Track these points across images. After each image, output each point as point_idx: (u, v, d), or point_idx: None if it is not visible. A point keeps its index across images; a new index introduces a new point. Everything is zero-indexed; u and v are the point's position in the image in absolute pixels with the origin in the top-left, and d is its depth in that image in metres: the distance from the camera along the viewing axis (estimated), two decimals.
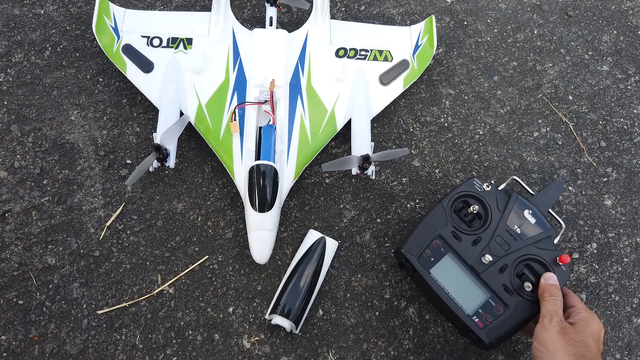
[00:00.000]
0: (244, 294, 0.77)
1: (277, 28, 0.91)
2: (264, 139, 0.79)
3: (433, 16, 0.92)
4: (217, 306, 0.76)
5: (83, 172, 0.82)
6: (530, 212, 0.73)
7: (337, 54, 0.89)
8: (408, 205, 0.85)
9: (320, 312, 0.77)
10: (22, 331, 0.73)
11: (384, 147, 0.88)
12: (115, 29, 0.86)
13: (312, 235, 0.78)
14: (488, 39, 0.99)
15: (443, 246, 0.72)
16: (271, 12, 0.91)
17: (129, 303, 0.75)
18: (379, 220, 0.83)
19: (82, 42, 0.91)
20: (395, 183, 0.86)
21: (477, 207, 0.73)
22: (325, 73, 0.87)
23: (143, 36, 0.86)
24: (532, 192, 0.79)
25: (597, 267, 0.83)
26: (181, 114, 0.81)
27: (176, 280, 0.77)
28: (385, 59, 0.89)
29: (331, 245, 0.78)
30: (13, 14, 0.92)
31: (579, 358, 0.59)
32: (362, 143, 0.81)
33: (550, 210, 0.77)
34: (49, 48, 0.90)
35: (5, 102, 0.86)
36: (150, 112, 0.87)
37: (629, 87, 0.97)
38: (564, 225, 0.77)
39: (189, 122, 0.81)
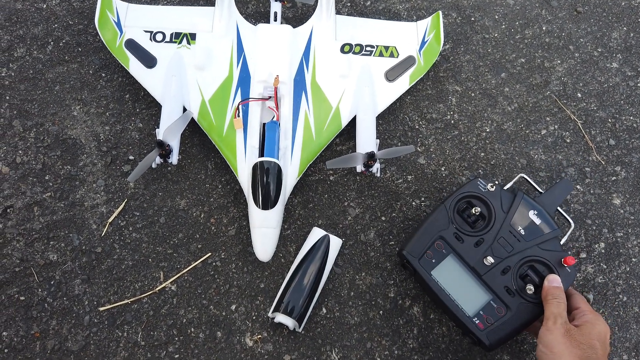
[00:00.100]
0: (246, 292, 0.76)
1: (281, 23, 0.90)
2: (267, 136, 0.78)
3: (440, 12, 0.91)
4: (220, 304, 0.76)
5: (85, 168, 0.82)
6: (536, 212, 0.72)
7: (342, 50, 0.88)
8: (413, 203, 0.84)
9: (324, 310, 0.76)
10: (23, 327, 0.72)
11: (389, 145, 0.87)
12: (118, 24, 0.85)
13: (316, 233, 0.77)
14: (495, 35, 0.97)
15: (445, 248, 0.71)
16: (275, 7, 0.90)
17: (130, 300, 0.75)
18: (383, 218, 0.82)
19: (85, 36, 0.91)
20: (400, 181, 0.85)
21: (479, 208, 0.72)
22: (330, 69, 0.86)
23: (146, 31, 0.85)
24: (540, 190, 0.78)
25: (605, 267, 0.82)
26: (184, 109, 0.81)
27: (178, 277, 0.76)
28: (391, 55, 0.88)
29: (335, 243, 0.77)
30: (15, 8, 0.92)
31: None
32: (367, 140, 0.80)
33: (558, 208, 0.76)
34: (52, 43, 0.90)
35: (8, 97, 0.85)
36: (153, 108, 0.86)
37: (638, 84, 0.95)
38: (572, 224, 0.76)
39: (192, 118, 0.81)
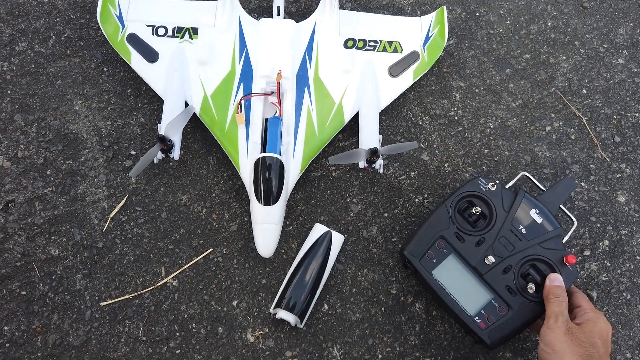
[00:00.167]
0: (248, 288, 0.76)
1: (284, 18, 0.89)
2: (270, 131, 0.78)
3: (444, 7, 0.90)
4: (221, 299, 0.75)
5: (87, 162, 0.81)
6: (538, 211, 0.71)
7: (345, 45, 0.87)
8: (416, 199, 0.83)
9: (326, 306, 0.76)
10: (24, 322, 0.72)
11: (392, 141, 0.86)
12: (120, 18, 0.85)
13: (318, 229, 0.77)
14: (500, 30, 0.97)
15: (446, 247, 0.71)
16: (278, 1, 0.89)
17: (132, 295, 0.75)
18: (386, 214, 0.82)
19: (87, 30, 0.90)
20: (403, 177, 0.84)
21: (480, 208, 0.72)
22: (333, 64, 0.85)
23: (148, 25, 0.85)
24: (543, 188, 0.77)
25: (609, 264, 0.81)
26: (186, 104, 0.80)
27: (180, 272, 0.76)
28: (395, 50, 0.87)
29: (337, 239, 0.77)
30: (17, 1, 0.91)
31: (586, 358, 0.58)
32: (370, 136, 0.79)
33: (561, 206, 0.75)
34: (53, 37, 0.89)
35: (9, 92, 0.85)
36: (155, 103, 0.86)
37: None
38: (575, 221, 0.76)
39: (194, 114, 0.80)
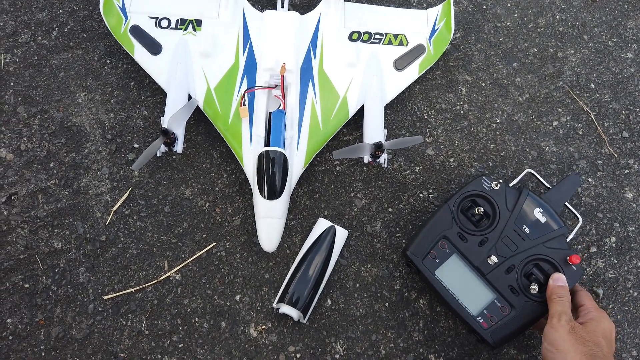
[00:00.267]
0: (251, 282, 0.76)
1: (289, 10, 0.88)
2: (273, 125, 0.77)
3: None
4: (224, 294, 0.75)
5: (90, 155, 0.81)
6: (542, 210, 0.71)
7: (350, 38, 0.86)
8: (421, 194, 0.82)
9: (329, 301, 0.76)
10: (28, 315, 0.72)
11: (397, 135, 0.86)
12: (123, 10, 0.84)
13: (322, 224, 0.76)
14: (508, 23, 0.95)
15: (448, 247, 0.71)
16: None
17: (135, 289, 0.74)
18: (390, 209, 0.81)
19: (90, 22, 0.90)
20: (408, 172, 0.84)
21: (483, 208, 0.72)
22: (337, 57, 0.84)
23: (151, 17, 0.84)
24: (548, 185, 0.76)
25: (616, 261, 0.80)
26: (189, 97, 0.80)
27: (183, 266, 0.76)
28: (401, 44, 0.86)
29: (341, 234, 0.76)
30: None
31: (590, 357, 0.58)
32: (374, 130, 0.78)
33: (566, 203, 0.75)
34: (56, 28, 0.89)
35: (12, 84, 0.84)
36: (158, 96, 0.85)
37: None
38: (580, 219, 0.75)
39: (198, 107, 0.80)
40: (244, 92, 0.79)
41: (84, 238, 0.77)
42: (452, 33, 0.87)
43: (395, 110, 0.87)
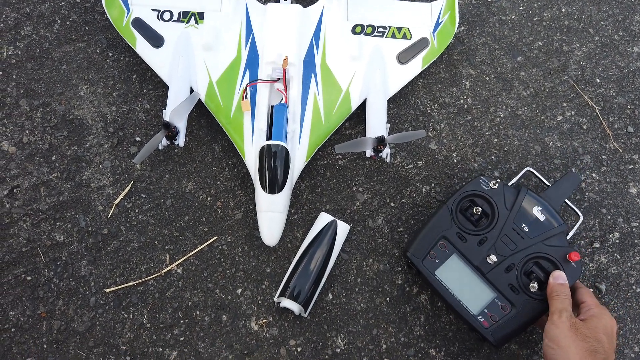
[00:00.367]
0: (252, 276, 0.76)
1: (291, 3, 0.87)
2: (275, 119, 0.77)
3: None
4: (226, 287, 0.75)
5: (92, 148, 0.81)
6: (540, 208, 0.71)
7: (353, 31, 0.85)
8: (423, 189, 0.82)
9: (330, 296, 0.75)
10: (30, 307, 0.73)
11: (400, 129, 0.85)
12: (125, 2, 0.83)
13: (324, 218, 0.76)
14: (513, 17, 0.94)
15: (448, 247, 0.71)
16: None
17: (136, 282, 0.75)
18: (392, 204, 0.81)
19: (92, 15, 0.89)
20: (410, 166, 0.83)
21: (480, 208, 0.71)
22: (340, 50, 0.83)
23: (153, 9, 0.84)
24: (548, 183, 0.76)
25: (619, 257, 0.80)
26: (192, 91, 0.79)
27: (184, 260, 0.76)
28: (404, 37, 0.85)
29: (342, 228, 0.76)
30: None
31: (591, 353, 0.58)
32: (377, 124, 0.78)
33: (566, 200, 0.75)
34: (58, 21, 0.88)
35: (14, 76, 0.84)
36: (160, 89, 0.85)
37: None
38: (581, 216, 0.75)
39: (200, 100, 0.79)
40: (246, 86, 0.79)
41: (86, 231, 0.77)
42: (456, 26, 0.87)
43: (398, 104, 0.86)
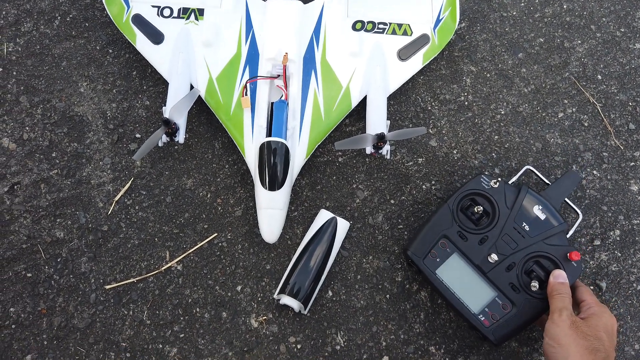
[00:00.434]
0: (252, 273, 0.76)
1: None
2: (275, 115, 0.77)
3: None
4: (226, 284, 0.75)
5: (92, 145, 0.81)
6: (541, 207, 0.71)
7: (354, 27, 0.85)
8: (423, 186, 0.82)
9: (330, 293, 0.75)
10: (30, 304, 0.73)
11: (400, 126, 0.85)
12: None
13: (323, 215, 0.76)
14: (514, 13, 0.94)
15: (449, 246, 0.71)
16: None
17: (136, 279, 0.75)
18: (392, 201, 0.81)
19: (92, 11, 0.89)
20: (410, 163, 0.83)
21: (482, 207, 0.71)
22: (340, 47, 0.83)
23: (153, 6, 0.83)
24: (548, 182, 0.76)
25: (620, 254, 0.80)
26: (191, 87, 0.79)
27: (184, 257, 0.76)
28: (405, 33, 0.85)
29: (342, 225, 0.76)
30: None
31: (592, 351, 0.58)
32: (377, 121, 0.78)
33: (566, 199, 0.75)
34: (59, 17, 0.88)
35: (15, 73, 0.84)
36: (160, 85, 0.85)
37: None
38: (581, 214, 0.75)
39: (200, 97, 0.79)
40: (246, 82, 0.79)
41: (86, 228, 0.77)
42: (457, 23, 0.86)
43: (398, 101, 0.86)
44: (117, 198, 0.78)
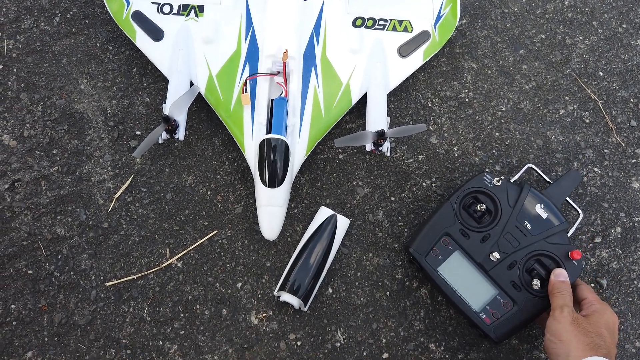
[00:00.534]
0: (252, 270, 0.76)
1: None
2: (275, 112, 0.76)
3: None
4: (226, 281, 0.75)
5: (92, 142, 0.81)
6: (543, 205, 0.71)
7: (354, 24, 0.85)
8: (424, 183, 0.82)
9: (330, 290, 0.75)
10: (31, 301, 0.73)
11: (400, 123, 0.85)
12: None
13: (324, 213, 0.76)
14: (515, 9, 0.93)
15: (451, 244, 0.71)
16: None
17: (137, 276, 0.75)
18: (392, 198, 0.80)
19: (92, 8, 0.89)
20: (411, 160, 0.83)
21: (485, 205, 0.71)
22: (341, 44, 0.83)
23: (153, 2, 0.83)
24: (549, 180, 0.76)
25: (621, 252, 0.79)
26: (191, 84, 0.79)
27: (185, 254, 0.76)
28: (405, 30, 0.85)
29: (343, 223, 0.76)
30: None
31: (593, 348, 0.58)
32: (377, 118, 0.77)
33: (567, 198, 0.75)
34: (59, 14, 0.88)
35: (15, 70, 0.84)
36: (160, 82, 0.85)
37: None
38: (581, 213, 0.75)
39: (200, 94, 0.79)
40: (246, 79, 0.78)
41: (87, 225, 0.77)
42: (458, 19, 0.86)
43: (399, 97, 0.86)
44: (117, 195, 0.78)
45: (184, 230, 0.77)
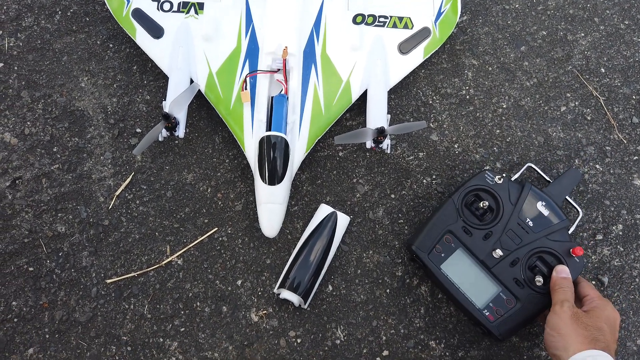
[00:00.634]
0: (252, 267, 0.76)
1: None
2: (275, 109, 0.76)
3: None
4: (226, 279, 0.75)
5: (93, 140, 0.81)
6: (544, 203, 0.71)
7: (354, 21, 0.84)
8: (424, 181, 0.81)
9: (330, 287, 0.76)
10: (32, 298, 0.73)
11: (401, 120, 0.84)
12: None
13: (324, 210, 0.76)
14: (516, 6, 0.93)
15: (454, 242, 0.71)
16: None
17: (137, 273, 0.75)
18: (393, 195, 0.80)
19: (93, 6, 0.89)
20: (411, 157, 0.83)
21: (487, 202, 0.71)
22: (341, 40, 0.83)
23: (153, 0, 0.83)
24: (549, 179, 0.77)
25: (622, 249, 0.79)
26: (191, 81, 0.79)
27: (185, 251, 0.76)
28: (405, 26, 0.85)
29: (343, 220, 0.76)
30: None
31: (591, 341, 0.58)
32: (377, 115, 0.77)
33: (567, 197, 0.75)
34: (59, 12, 0.88)
35: (16, 68, 0.84)
36: (161, 80, 0.85)
37: None
38: (581, 212, 0.76)
39: (200, 91, 0.79)
40: (246, 76, 0.78)
41: (87, 222, 0.77)
42: (459, 16, 0.85)
43: (399, 95, 0.86)
44: (118, 192, 0.79)
45: (184, 227, 0.77)
